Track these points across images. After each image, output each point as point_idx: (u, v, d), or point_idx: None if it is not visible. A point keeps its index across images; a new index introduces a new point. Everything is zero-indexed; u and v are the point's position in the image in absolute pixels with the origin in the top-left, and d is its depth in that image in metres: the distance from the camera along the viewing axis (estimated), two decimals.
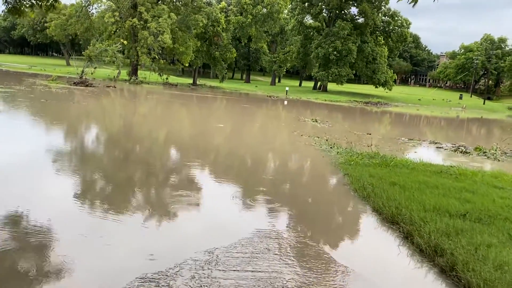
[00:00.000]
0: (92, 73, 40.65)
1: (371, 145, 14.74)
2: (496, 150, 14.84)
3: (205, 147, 13.02)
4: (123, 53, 54.22)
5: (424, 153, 14.49)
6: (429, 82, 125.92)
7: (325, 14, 66.07)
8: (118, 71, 51.63)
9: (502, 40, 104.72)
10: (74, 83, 35.42)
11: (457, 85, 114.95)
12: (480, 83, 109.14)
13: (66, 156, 9.89)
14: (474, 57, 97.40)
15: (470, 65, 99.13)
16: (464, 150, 15.14)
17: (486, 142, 19.85)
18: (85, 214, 6.07)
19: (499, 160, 13.89)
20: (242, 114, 27.05)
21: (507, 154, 15.01)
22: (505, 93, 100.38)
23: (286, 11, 71.28)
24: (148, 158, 10.75)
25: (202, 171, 9.61)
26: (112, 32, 54.89)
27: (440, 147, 16.30)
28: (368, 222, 6.60)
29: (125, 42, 54.28)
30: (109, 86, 38.24)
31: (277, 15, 62.80)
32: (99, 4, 57.08)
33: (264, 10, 61.98)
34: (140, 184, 7.98)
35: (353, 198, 7.70)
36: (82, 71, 39.41)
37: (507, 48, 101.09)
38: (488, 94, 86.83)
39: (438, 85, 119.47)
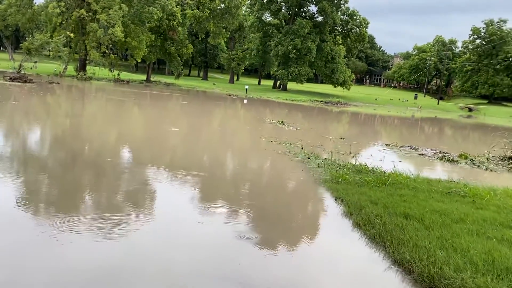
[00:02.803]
0: (32, 68, 36.50)
1: (351, 153, 12.97)
2: (487, 159, 13.47)
3: (153, 160, 10.63)
4: (70, 47, 50.06)
5: (411, 164, 12.88)
6: (383, 82, 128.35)
7: (284, 11, 64.61)
8: (64, 66, 47.46)
9: (453, 42, 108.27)
10: (10, 78, 31.47)
11: (410, 85, 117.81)
12: (432, 83, 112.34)
13: None
14: (427, 58, 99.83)
15: (424, 65, 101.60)
16: (450, 158, 13.68)
17: (462, 146, 18.74)
18: None
19: (491, 170, 12.50)
20: (201, 115, 24.66)
21: (494, 162, 13.71)
22: (456, 93, 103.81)
23: (245, 7, 69.18)
24: (80, 175, 8.27)
25: (147, 200, 7.29)
26: (57, 24, 50.45)
27: (422, 154, 14.80)
28: (397, 286, 4.59)
29: (72, 34, 50.12)
30: (51, 83, 34.45)
31: (236, 11, 60.45)
32: None
33: (222, 5, 59.43)
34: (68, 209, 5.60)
35: (360, 240, 5.66)
36: (20, 66, 35.30)
37: (457, 50, 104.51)
38: (440, 94, 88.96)
39: (392, 85, 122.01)
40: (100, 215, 5.85)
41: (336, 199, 7.47)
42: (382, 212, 6.31)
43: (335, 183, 8.47)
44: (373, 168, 10.06)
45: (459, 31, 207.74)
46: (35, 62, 37.37)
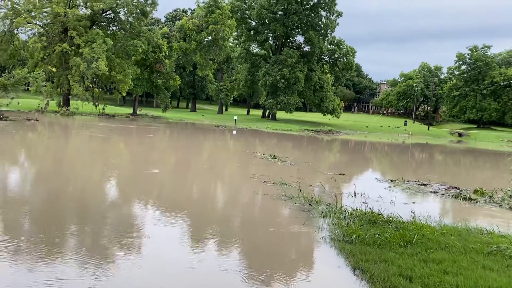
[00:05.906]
0: (8, 105, 34.72)
1: (356, 194, 11.34)
2: (510, 197, 11.93)
3: (122, 216, 8.86)
4: (53, 82, 48.63)
5: (427, 206, 11.24)
6: (371, 109, 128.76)
7: (271, 42, 64.39)
8: (46, 101, 45.87)
9: (438, 68, 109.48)
10: None
11: (399, 111, 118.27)
12: (419, 109, 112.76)
13: None
14: (414, 84, 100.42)
15: (411, 92, 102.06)
16: (466, 196, 12.12)
17: (469, 177, 17.27)
18: None
19: None
20: (187, 151, 22.96)
21: None
22: (444, 118, 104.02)
23: (231, 39, 68.84)
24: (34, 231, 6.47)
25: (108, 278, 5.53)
26: (39, 58, 49.07)
27: (433, 192, 13.21)
28: None
29: (54, 69, 48.77)
30: (29, 119, 32.62)
31: (223, 42, 59.86)
32: (25, 28, 50.88)
33: (209, 37, 58.82)
34: None
35: None
36: None
37: (442, 76, 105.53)
38: (429, 119, 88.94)
39: (381, 111, 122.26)
40: None
41: (354, 270, 5.75)
42: None
43: (348, 243, 6.78)
44: (388, 217, 8.41)
45: (439, 56, 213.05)
46: (12, 98, 35.62)
